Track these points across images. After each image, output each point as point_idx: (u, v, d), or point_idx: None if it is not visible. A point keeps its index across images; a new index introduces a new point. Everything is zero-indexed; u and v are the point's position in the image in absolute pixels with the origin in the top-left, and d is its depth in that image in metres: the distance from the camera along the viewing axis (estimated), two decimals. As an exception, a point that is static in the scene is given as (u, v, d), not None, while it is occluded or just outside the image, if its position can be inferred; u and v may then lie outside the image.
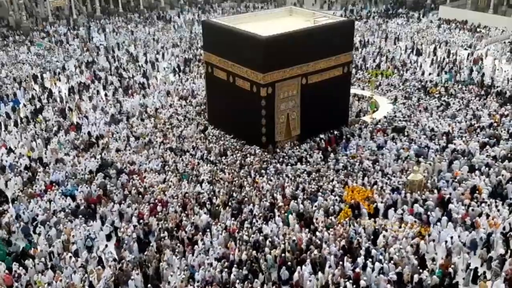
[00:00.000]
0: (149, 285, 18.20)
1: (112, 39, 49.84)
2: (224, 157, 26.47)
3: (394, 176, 24.15)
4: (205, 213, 21.69)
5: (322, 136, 28.47)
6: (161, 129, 30.29)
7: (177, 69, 41.69)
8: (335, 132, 28.98)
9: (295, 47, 25.89)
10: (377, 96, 34.50)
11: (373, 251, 18.88)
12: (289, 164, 25.53)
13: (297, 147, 27.52)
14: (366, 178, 23.91)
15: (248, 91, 26.61)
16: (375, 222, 20.88)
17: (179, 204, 22.39)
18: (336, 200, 22.20)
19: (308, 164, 25.59)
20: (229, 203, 22.26)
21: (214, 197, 22.89)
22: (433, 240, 19.76)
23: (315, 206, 21.85)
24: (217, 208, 22.08)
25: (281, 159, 26.17)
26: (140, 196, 23.33)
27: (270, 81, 25.94)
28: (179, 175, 24.89)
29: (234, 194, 22.87)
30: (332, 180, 23.85)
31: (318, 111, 27.72)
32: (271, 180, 23.91)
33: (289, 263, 18.56)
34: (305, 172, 24.58)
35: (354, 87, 35.33)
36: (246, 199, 22.46)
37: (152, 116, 32.30)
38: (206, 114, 31.74)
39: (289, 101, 27.18)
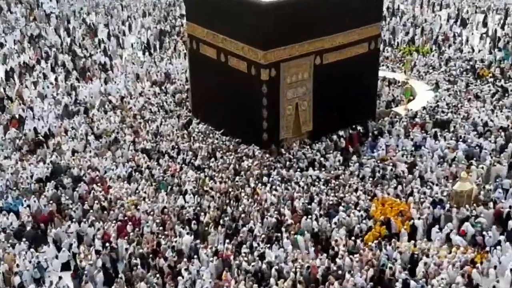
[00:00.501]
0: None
1: (67, 5, 49.32)
2: (214, 161, 26.53)
3: (437, 185, 24.25)
4: (187, 233, 21.72)
5: (341, 133, 28.54)
6: (130, 124, 30.33)
7: (148, 45, 41.75)
8: (359, 128, 29.08)
9: (306, 17, 25.93)
10: (413, 80, 34.48)
11: (412, 283, 18.81)
12: (299, 170, 25.55)
13: (309, 147, 27.65)
14: (400, 187, 24.01)
15: (245, 73, 26.70)
16: (415, 245, 20.94)
17: (156, 222, 22.36)
18: (362, 216, 22.31)
19: (323, 169, 25.69)
20: (222, 221, 22.28)
21: (202, 213, 22.91)
22: (495, 267, 19.80)
23: (335, 224, 21.92)
24: (206, 227, 22.09)
25: (288, 163, 26.29)
26: (105, 212, 23.26)
27: (274, 60, 25.97)
28: (156, 185, 24.90)
29: (228, 209, 22.90)
30: (356, 190, 23.94)
31: (336, 100, 27.68)
32: (276, 190, 23.92)
33: (301, 298, 18.39)
34: (321, 180, 24.73)
35: (383, 68, 35.37)
36: (243, 215, 22.52)
37: (118, 107, 32.28)
38: (189, 104, 31.76)
39: (299, 87, 27.25)
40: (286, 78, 26.66)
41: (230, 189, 24.17)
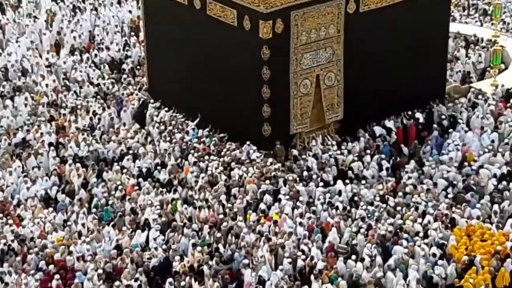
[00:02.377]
0: None
1: None
2: (190, 172, 26.01)
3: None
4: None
5: (389, 123, 27.97)
6: (49, 117, 29.75)
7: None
8: (417, 115, 28.50)
9: None
10: (505, 37, 33.91)
11: None
12: (322, 183, 25.11)
13: (337, 146, 27.15)
14: (495, 207, 23.41)
15: (234, 28, 26.39)
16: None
17: (99, 274, 21.33)
18: (435, 255, 21.47)
19: (363, 181, 25.35)
20: (210, 268, 21.45)
21: (177, 257, 22.05)
22: None
23: (393, 272, 20.78)
24: (182, 280, 20.87)
25: (304, 172, 25.98)
26: (17, 258, 22.20)
27: (280, 6, 25.28)
28: (98, 212, 24.11)
29: (221, 249, 22.12)
30: (423, 214, 23.06)
31: (381, 73, 27.19)
32: (302, 218, 23.21)
33: None
34: (364, 198, 24.34)
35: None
36: (244, 259, 21.57)
37: (24, 89, 31.67)
38: (145, 81, 31.68)
39: (321, 50, 26.42)
40: (300, 35, 25.89)
41: (220, 217, 23.60)
